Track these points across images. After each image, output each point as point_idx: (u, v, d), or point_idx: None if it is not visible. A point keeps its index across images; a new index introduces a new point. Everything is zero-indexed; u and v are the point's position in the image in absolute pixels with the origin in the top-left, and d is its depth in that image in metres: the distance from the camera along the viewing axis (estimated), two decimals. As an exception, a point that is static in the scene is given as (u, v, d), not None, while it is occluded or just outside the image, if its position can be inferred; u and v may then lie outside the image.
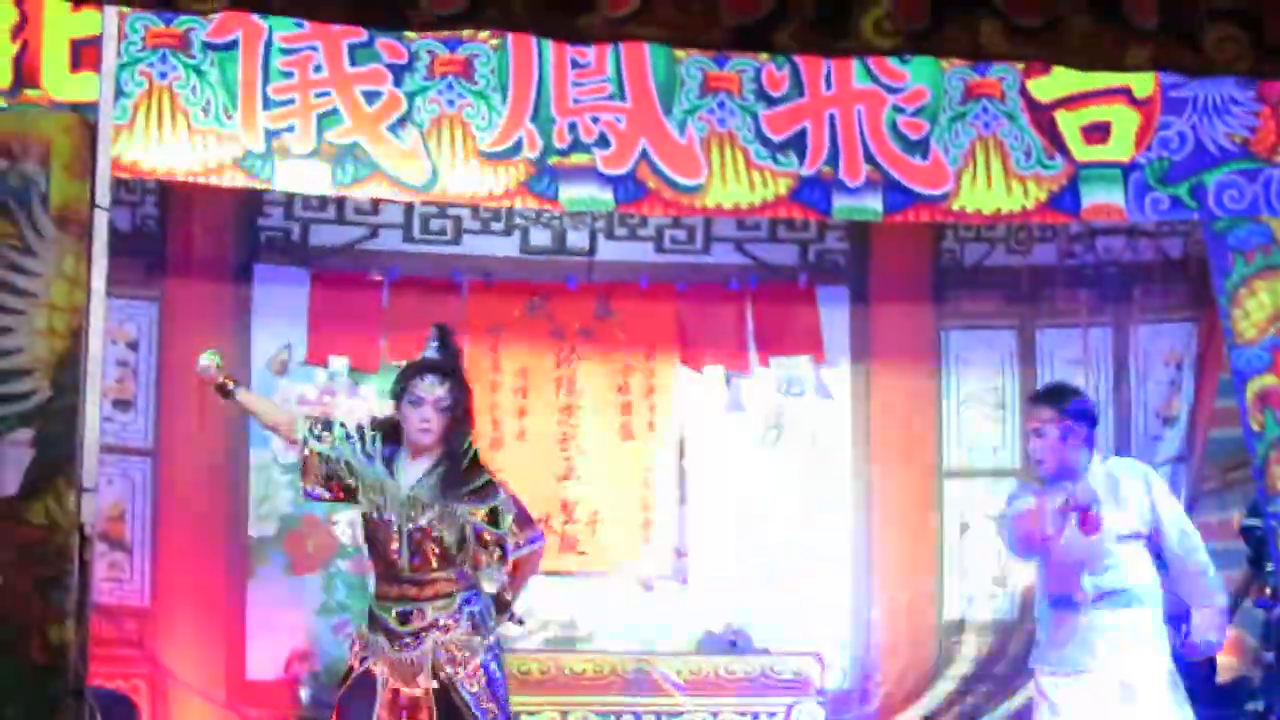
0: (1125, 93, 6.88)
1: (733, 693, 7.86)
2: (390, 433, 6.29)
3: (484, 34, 6.57)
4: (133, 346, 7.94)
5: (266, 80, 6.52)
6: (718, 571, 8.37)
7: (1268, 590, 7.56)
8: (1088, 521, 6.43)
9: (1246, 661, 8.11)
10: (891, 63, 6.78)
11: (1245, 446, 7.03)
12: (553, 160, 6.69)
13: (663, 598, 8.35)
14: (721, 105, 6.79)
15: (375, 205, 8.05)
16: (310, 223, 8.22)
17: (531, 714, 7.69)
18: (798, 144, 6.82)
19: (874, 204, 6.88)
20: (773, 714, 7.82)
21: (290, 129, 6.54)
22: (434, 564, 6.15)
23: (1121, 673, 6.48)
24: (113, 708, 6.77)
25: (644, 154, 6.74)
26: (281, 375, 8.11)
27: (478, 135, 6.65)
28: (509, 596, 6.31)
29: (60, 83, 6.22)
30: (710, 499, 8.42)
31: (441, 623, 6.13)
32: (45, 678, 4.20)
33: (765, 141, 6.80)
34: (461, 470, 6.20)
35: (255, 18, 6.41)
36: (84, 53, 6.15)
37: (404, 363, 6.55)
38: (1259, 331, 6.84)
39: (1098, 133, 6.91)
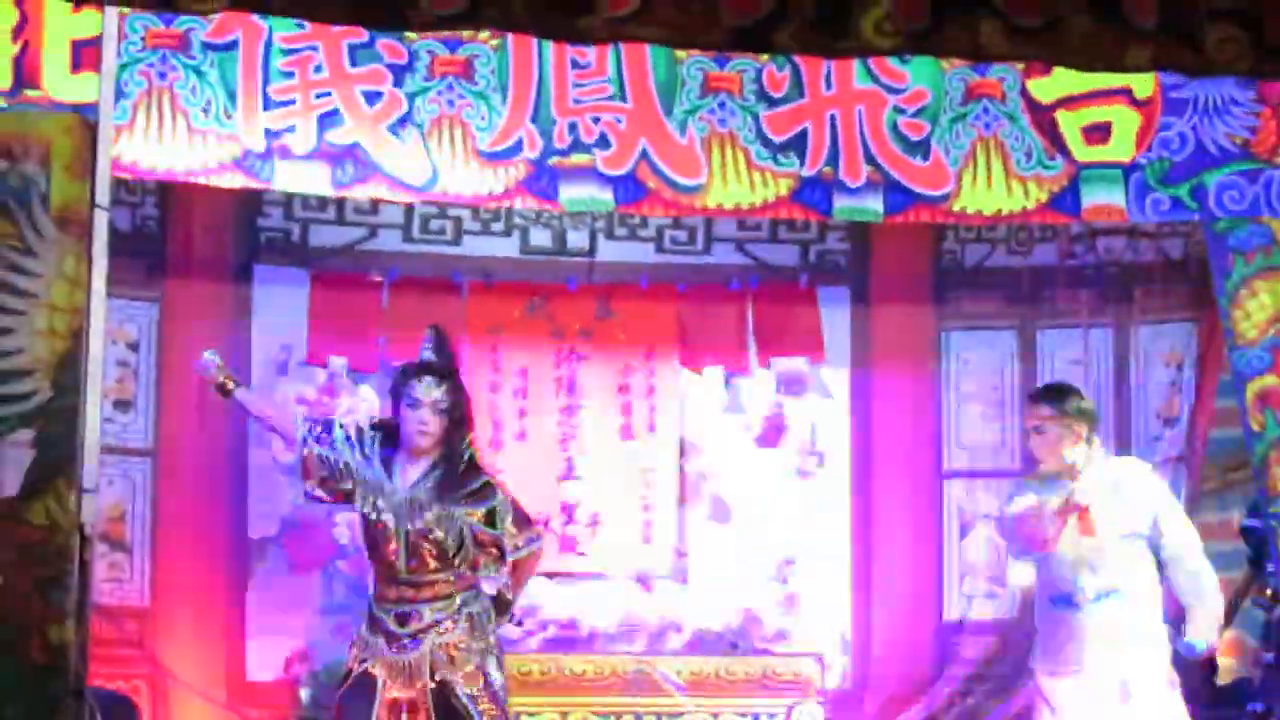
0: (1126, 93, 6.88)
1: (733, 693, 7.85)
2: (388, 435, 6.30)
3: (484, 34, 6.57)
4: (133, 347, 7.93)
5: (267, 80, 6.52)
6: (718, 572, 8.37)
7: (1268, 591, 7.56)
8: (1086, 523, 6.44)
9: (1247, 662, 8.11)
10: (892, 63, 6.77)
11: (1246, 447, 7.03)
12: (553, 160, 6.69)
13: (663, 598, 8.34)
14: (722, 105, 6.78)
15: (375, 206, 8.05)
16: (310, 223, 8.22)
17: (532, 715, 7.69)
18: (798, 144, 6.81)
19: (875, 204, 6.88)
20: (773, 715, 7.82)
21: (290, 129, 6.54)
22: (431, 566, 6.16)
23: (1120, 672, 6.49)
24: (113, 708, 6.77)
25: (644, 154, 6.74)
26: (281, 376, 8.11)
27: (478, 135, 6.65)
28: (509, 597, 6.31)
29: (60, 83, 6.22)
30: (710, 499, 8.42)
31: (440, 625, 6.14)
32: (45, 678, 4.20)
33: (766, 142, 6.80)
34: (459, 472, 6.21)
35: (255, 18, 6.41)
36: (84, 53, 6.15)
37: (403, 363, 6.56)
38: (1259, 332, 6.84)
39: (1098, 133, 6.91)
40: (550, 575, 8.15)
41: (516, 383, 8.32)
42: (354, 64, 6.59)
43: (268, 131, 6.52)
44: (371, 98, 6.59)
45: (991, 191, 6.91)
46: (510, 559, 6.24)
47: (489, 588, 6.27)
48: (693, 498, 8.41)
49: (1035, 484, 6.77)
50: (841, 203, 6.86)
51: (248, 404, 6.52)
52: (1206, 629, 6.53)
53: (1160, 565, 6.60)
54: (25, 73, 6.23)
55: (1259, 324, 6.84)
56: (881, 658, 8.33)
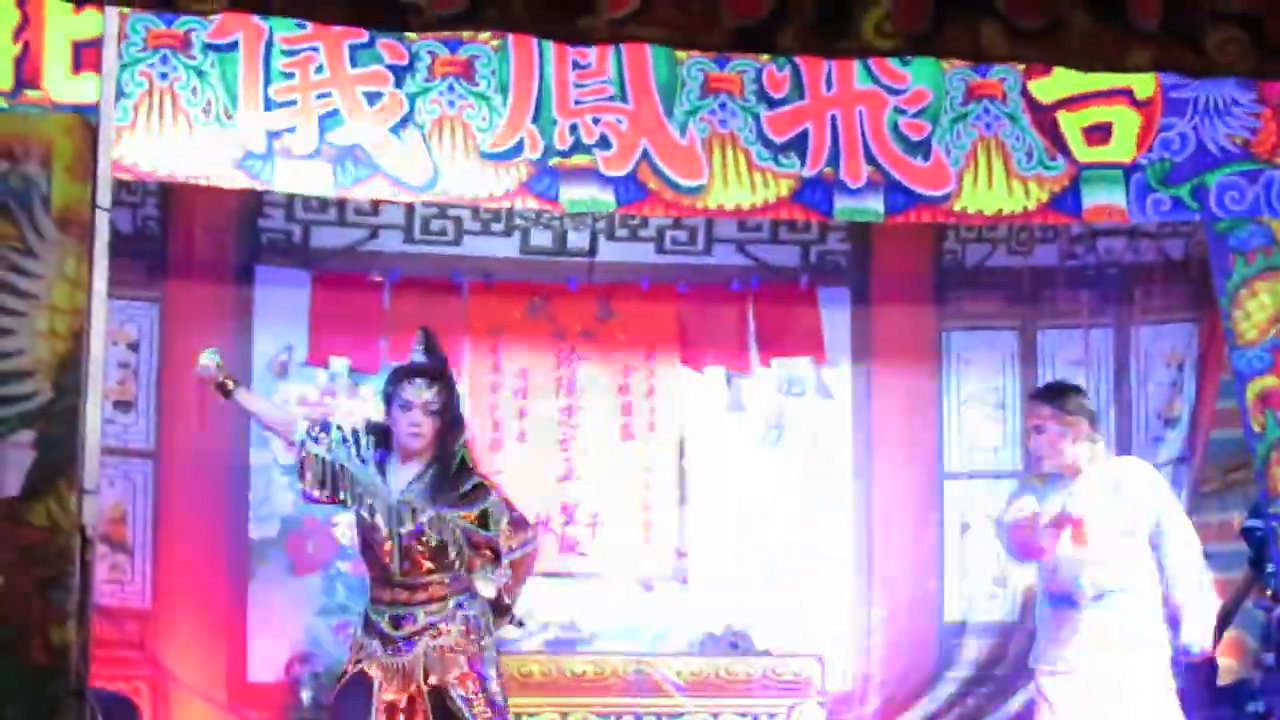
0: (1127, 94, 6.87)
1: (733, 694, 7.85)
2: (382, 437, 6.31)
3: (485, 35, 6.57)
4: (134, 348, 7.94)
5: (267, 81, 6.52)
6: (718, 572, 8.37)
7: (1268, 592, 7.56)
8: (1079, 533, 6.46)
9: (1247, 663, 8.11)
10: (893, 64, 6.77)
11: (1246, 447, 7.03)
12: (554, 161, 6.69)
13: (663, 598, 8.35)
14: (723, 106, 6.78)
15: (376, 206, 8.05)
16: (311, 224, 8.22)
17: (532, 715, 7.69)
18: (799, 145, 6.81)
19: (875, 205, 6.87)
20: (773, 715, 7.82)
21: (291, 130, 6.53)
22: (425, 568, 6.16)
23: (1119, 672, 6.50)
24: (114, 709, 6.77)
25: (645, 155, 6.74)
26: (282, 376, 8.11)
27: (479, 136, 6.65)
28: (508, 599, 6.31)
29: (61, 84, 6.22)
30: (711, 499, 8.42)
31: (434, 627, 6.14)
32: (46, 679, 4.20)
33: (766, 143, 6.79)
34: (451, 474, 6.21)
35: (256, 19, 6.41)
36: (85, 54, 6.15)
37: (394, 366, 6.57)
38: (1260, 333, 6.84)
39: (1099, 134, 6.91)
40: (550, 576, 8.16)
41: (517, 383, 8.32)
42: (355, 65, 6.58)
43: (269, 132, 6.52)
44: (372, 98, 6.59)
45: (992, 192, 6.91)
46: (505, 560, 6.24)
47: (487, 591, 6.27)
48: (693, 498, 8.41)
49: (1036, 484, 6.78)
50: (842, 203, 6.85)
51: (247, 404, 6.52)
52: (1202, 632, 6.54)
53: (1159, 565, 6.60)
54: (26, 73, 6.22)
55: (1259, 324, 6.84)
56: (882, 658, 8.34)
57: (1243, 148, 6.85)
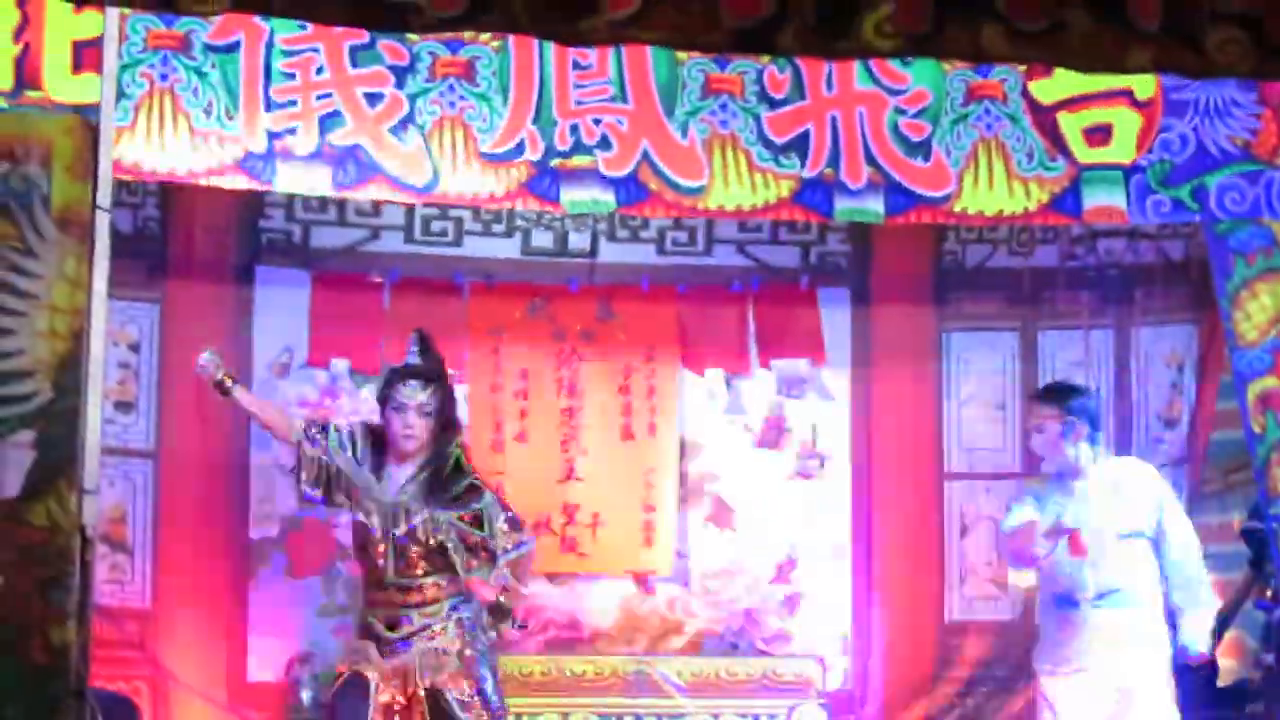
0: (1127, 95, 6.88)
1: (734, 694, 7.86)
2: (379, 439, 6.32)
3: (485, 36, 6.57)
4: (134, 348, 7.94)
5: (268, 82, 6.52)
6: (719, 573, 8.36)
7: (1268, 593, 7.56)
8: (1076, 545, 6.47)
9: (1247, 664, 8.11)
10: (893, 65, 6.77)
11: (1246, 449, 7.03)
12: (554, 162, 6.69)
13: (664, 599, 8.34)
14: (723, 107, 6.78)
15: (376, 207, 8.05)
16: (311, 224, 8.22)
17: (532, 716, 7.69)
18: (799, 146, 6.81)
19: (876, 206, 6.87)
20: (774, 716, 7.82)
21: (292, 130, 6.54)
22: (420, 569, 6.16)
23: (1120, 672, 6.50)
24: (114, 709, 6.77)
25: (646, 156, 6.74)
26: (282, 377, 8.11)
27: (479, 137, 6.65)
28: (509, 603, 6.31)
29: (62, 84, 6.22)
30: (711, 500, 8.42)
31: (429, 629, 6.14)
32: (46, 679, 4.20)
33: (767, 143, 6.79)
34: (445, 475, 6.21)
35: (257, 20, 6.41)
36: (85, 54, 6.15)
37: (389, 368, 6.57)
38: (1260, 334, 6.84)
39: (1099, 134, 6.91)
40: (551, 576, 8.16)
41: (517, 384, 8.32)
42: (355, 65, 6.59)
43: (269, 133, 6.52)
44: (373, 99, 6.59)
45: (993, 192, 6.91)
46: (501, 561, 6.24)
47: (487, 594, 6.27)
48: (693, 499, 8.41)
49: (1036, 487, 6.79)
50: (842, 204, 6.86)
51: (245, 403, 6.52)
52: (1201, 634, 6.54)
53: (1160, 566, 6.61)
54: (26, 74, 6.23)
55: (1260, 325, 6.84)
56: (882, 659, 8.33)
57: (1243, 149, 6.85)
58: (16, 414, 4.26)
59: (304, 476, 6.34)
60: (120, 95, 6.15)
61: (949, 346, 8.52)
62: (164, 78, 6.46)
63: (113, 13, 4.77)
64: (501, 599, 6.32)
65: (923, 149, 6.85)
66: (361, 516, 6.21)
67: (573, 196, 6.73)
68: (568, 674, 7.79)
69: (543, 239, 8.40)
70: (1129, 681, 6.50)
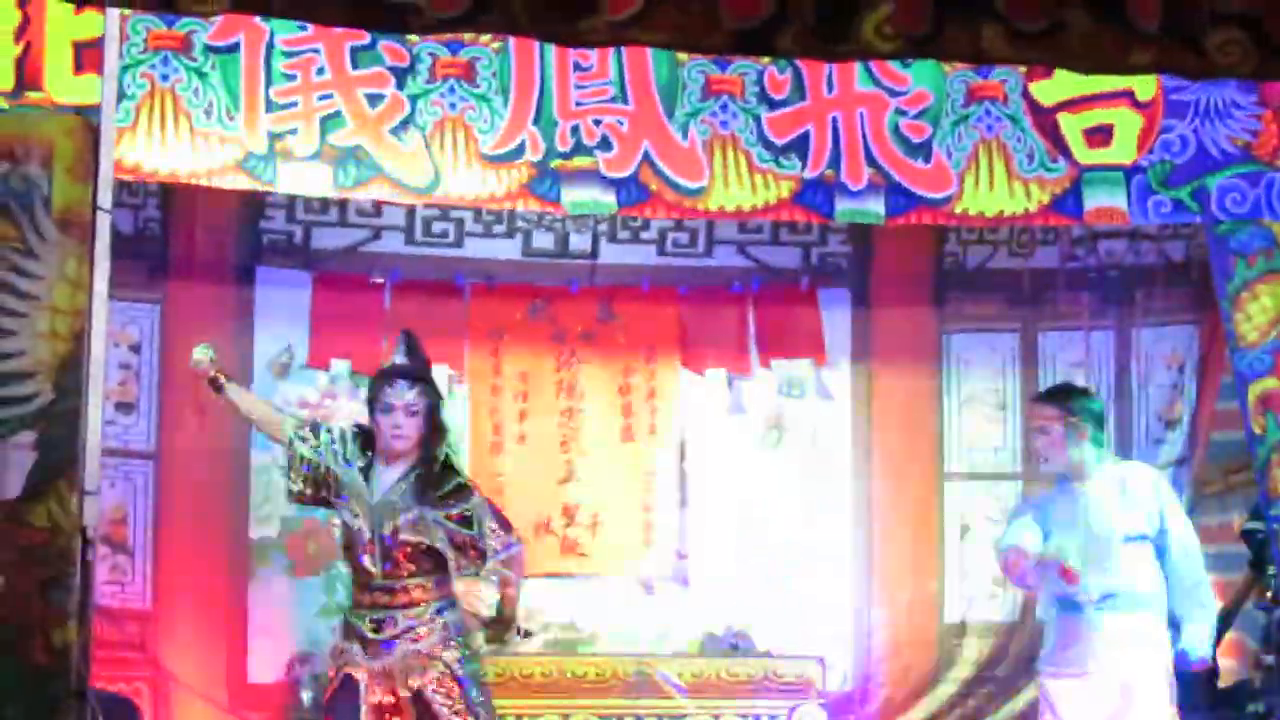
0: (1128, 95, 6.88)
1: (734, 695, 7.85)
2: (369, 440, 6.31)
3: (486, 37, 6.58)
4: (135, 349, 7.94)
5: (269, 83, 6.52)
6: (719, 573, 8.37)
7: (1268, 594, 7.56)
8: (1068, 576, 6.49)
9: (1247, 664, 8.11)
10: (894, 66, 6.78)
11: (1247, 449, 7.03)
12: (555, 163, 6.69)
13: (664, 600, 8.35)
14: (724, 108, 6.78)
15: (377, 208, 8.06)
16: (312, 225, 8.22)
17: (534, 717, 7.69)
18: (800, 147, 6.81)
19: (876, 207, 6.88)
20: (774, 716, 7.82)
21: (292, 131, 6.54)
22: (407, 571, 6.16)
23: (1121, 674, 6.50)
24: (114, 710, 6.77)
25: (646, 157, 6.74)
26: (283, 378, 8.11)
27: (480, 138, 6.65)
28: (508, 611, 6.31)
29: (63, 85, 6.21)
30: (711, 501, 8.42)
31: (413, 630, 6.14)
32: (47, 679, 4.20)
33: (767, 144, 6.80)
34: (434, 475, 6.21)
35: (257, 20, 6.41)
36: (86, 55, 6.14)
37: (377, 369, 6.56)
38: (1261, 335, 6.84)
39: (1100, 135, 6.91)
40: (551, 577, 8.16)
41: (518, 385, 8.32)
42: (356, 66, 6.59)
43: (270, 133, 6.52)
44: (373, 100, 6.60)
45: (993, 194, 6.91)
46: (490, 563, 6.23)
47: (483, 608, 6.27)
48: (694, 499, 8.41)
49: (1039, 491, 6.81)
50: (843, 205, 6.86)
51: (237, 401, 6.51)
52: (1202, 639, 6.54)
53: (1162, 568, 6.61)
54: (27, 74, 6.22)
55: (1260, 326, 6.84)
56: (883, 659, 8.34)
57: (1244, 150, 6.86)
58: (17, 415, 4.26)
59: (293, 476, 6.34)
60: (121, 96, 6.15)
61: (949, 347, 8.52)
62: (165, 78, 6.46)
63: (113, 13, 4.78)
64: (500, 610, 6.32)
65: (923, 150, 6.85)
66: (349, 517, 6.21)
67: (573, 197, 6.74)
68: (568, 675, 7.79)
69: (543, 240, 8.40)
70: (1130, 683, 6.50)
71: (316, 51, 6.54)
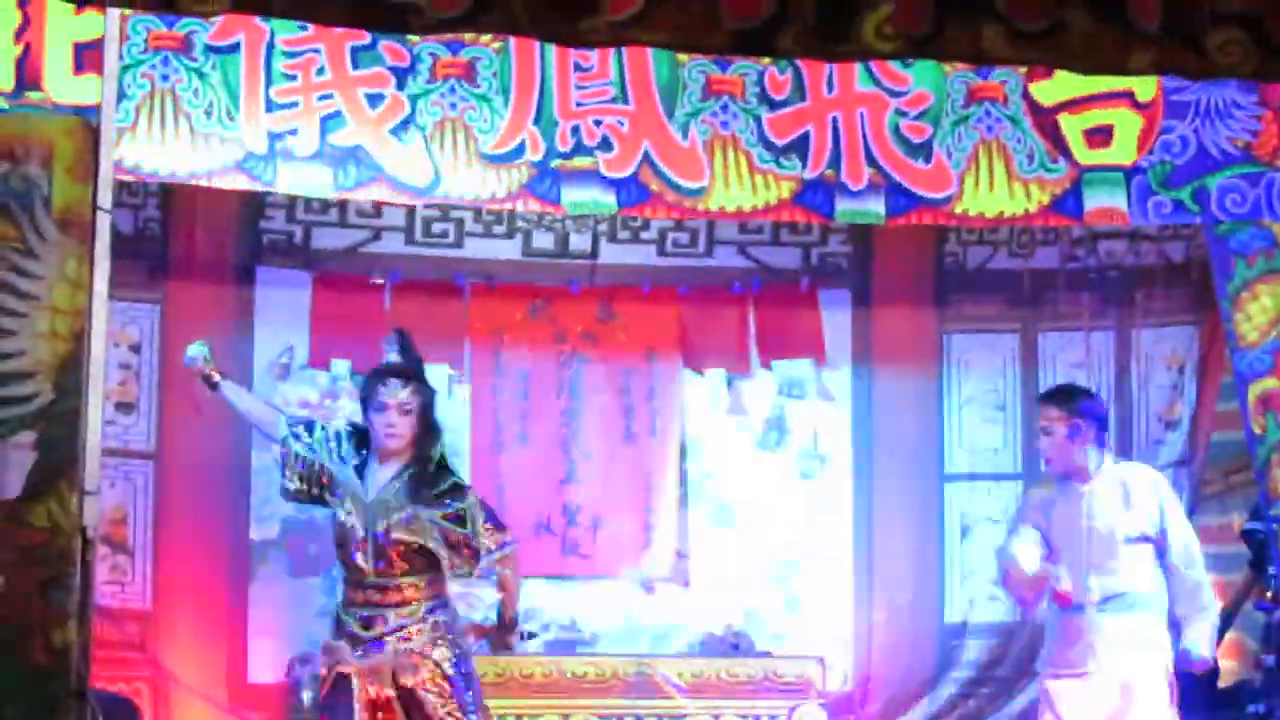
0: (1128, 96, 6.88)
1: (734, 695, 7.85)
2: (363, 439, 6.32)
3: (486, 37, 6.58)
4: (135, 349, 7.94)
5: (269, 83, 6.52)
6: (719, 574, 8.37)
7: (1269, 594, 7.56)
8: (1062, 599, 6.52)
9: (1247, 665, 8.11)
10: (894, 66, 6.77)
11: (1247, 450, 7.03)
12: (555, 163, 6.69)
13: (664, 600, 8.35)
14: (724, 108, 6.78)
15: (377, 208, 8.05)
16: (312, 225, 8.22)
17: (534, 717, 7.69)
18: (800, 147, 6.81)
19: (876, 207, 6.88)
20: (774, 716, 7.82)
21: (293, 131, 6.54)
22: (400, 569, 6.17)
23: (1122, 675, 6.50)
24: (114, 710, 6.77)
25: (646, 157, 6.74)
26: (283, 378, 8.11)
27: (480, 138, 6.65)
28: (508, 613, 6.31)
29: (63, 85, 6.22)
30: (711, 501, 8.42)
31: (404, 629, 6.15)
32: (47, 679, 4.20)
33: (768, 145, 6.80)
34: (429, 474, 6.21)
35: (257, 20, 6.41)
36: (86, 55, 6.15)
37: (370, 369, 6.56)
38: (1261, 335, 6.84)
39: (1100, 136, 6.91)
40: (551, 577, 8.17)
41: (518, 385, 8.32)
42: (356, 66, 6.59)
43: (270, 134, 6.52)
44: (374, 100, 6.60)
45: (993, 194, 6.91)
46: (483, 562, 6.24)
47: (486, 611, 6.27)
48: (694, 500, 8.41)
49: (1042, 492, 6.81)
50: (843, 205, 6.86)
51: (232, 398, 6.52)
52: (1203, 639, 6.54)
53: (1163, 569, 6.61)
54: (27, 75, 6.23)
55: (1260, 327, 6.84)
56: (883, 660, 8.34)
57: (1244, 150, 6.85)
58: (17, 415, 4.26)
59: (287, 474, 6.35)
60: (121, 96, 6.15)
61: (950, 348, 8.52)
62: (165, 79, 6.46)
63: (114, 14, 4.77)
64: (500, 611, 6.32)
65: (924, 150, 6.85)
66: (343, 515, 6.22)
67: (574, 198, 6.74)
68: (569, 675, 7.79)
69: (544, 240, 8.40)
70: (1131, 684, 6.50)
71: (317, 52, 6.54)
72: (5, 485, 4.24)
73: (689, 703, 7.81)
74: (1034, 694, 7.24)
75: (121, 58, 5.98)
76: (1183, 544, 6.60)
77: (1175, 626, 6.57)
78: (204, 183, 6.60)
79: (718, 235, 8.45)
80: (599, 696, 7.79)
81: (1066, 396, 6.78)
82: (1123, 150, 6.90)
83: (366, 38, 6.54)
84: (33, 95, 6.21)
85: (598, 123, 6.71)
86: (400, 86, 6.62)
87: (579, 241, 8.39)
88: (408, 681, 6.11)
